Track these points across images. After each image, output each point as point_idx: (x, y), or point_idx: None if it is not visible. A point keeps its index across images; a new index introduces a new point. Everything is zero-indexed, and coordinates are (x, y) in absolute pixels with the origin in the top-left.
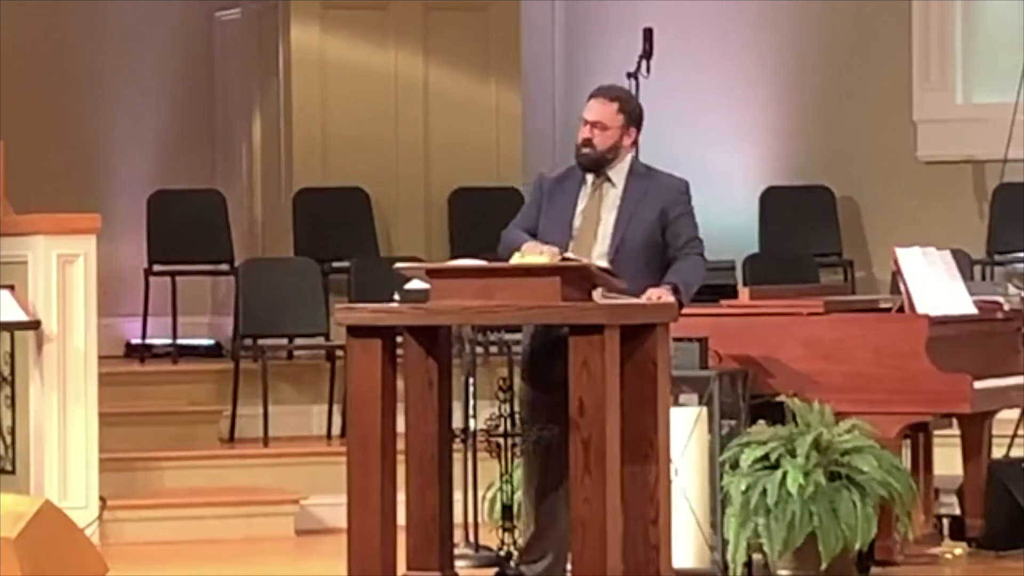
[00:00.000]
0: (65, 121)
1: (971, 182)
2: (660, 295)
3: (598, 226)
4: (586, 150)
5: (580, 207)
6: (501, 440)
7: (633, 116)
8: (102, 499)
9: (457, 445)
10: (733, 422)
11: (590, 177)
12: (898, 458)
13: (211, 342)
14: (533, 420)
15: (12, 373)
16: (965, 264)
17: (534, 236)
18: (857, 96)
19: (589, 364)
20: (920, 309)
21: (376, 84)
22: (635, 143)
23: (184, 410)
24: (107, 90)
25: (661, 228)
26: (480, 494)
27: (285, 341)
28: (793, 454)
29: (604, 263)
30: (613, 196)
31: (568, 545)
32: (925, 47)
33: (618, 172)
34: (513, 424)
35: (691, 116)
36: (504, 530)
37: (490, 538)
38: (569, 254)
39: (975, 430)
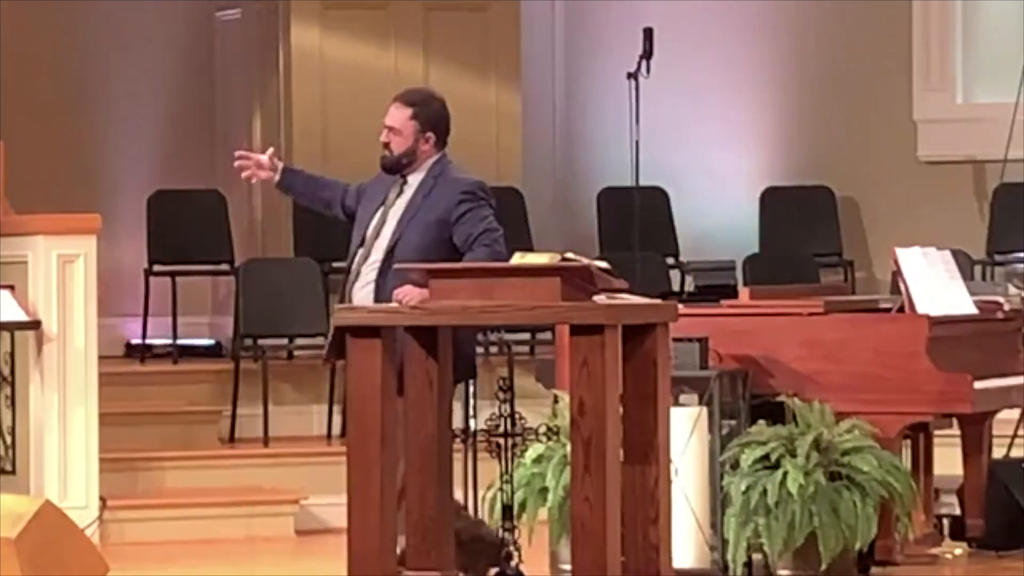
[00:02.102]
0: (65, 121)
1: (971, 182)
2: (405, 294)
3: (383, 228)
4: (384, 153)
5: (380, 210)
6: (501, 440)
7: (430, 122)
8: (102, 499)
9: (457, 445)
10: (733, 422)
11: (400, 179)
12: (898, 458)
13: (211, 342)
14: None
15: (12, 373)
16: (965, 264)
17: (325, 189)
18: (857, 96)
19: (589, 364)
20: (920, 309)
21: (376, 84)
22: (438, 146)
23: (184, 410)
24: (107, 90)
25: (447, 231)
26: (480, 494)
27: (285, 341)
28: (793, 454)
29: (377, 263)
30: (404, 199)
31: None
32: (925, 47)
33: (416, 176)
34: (513, 424)
35: (691, 116)
36: (504, 530)
37: None
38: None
39: (975, 430)
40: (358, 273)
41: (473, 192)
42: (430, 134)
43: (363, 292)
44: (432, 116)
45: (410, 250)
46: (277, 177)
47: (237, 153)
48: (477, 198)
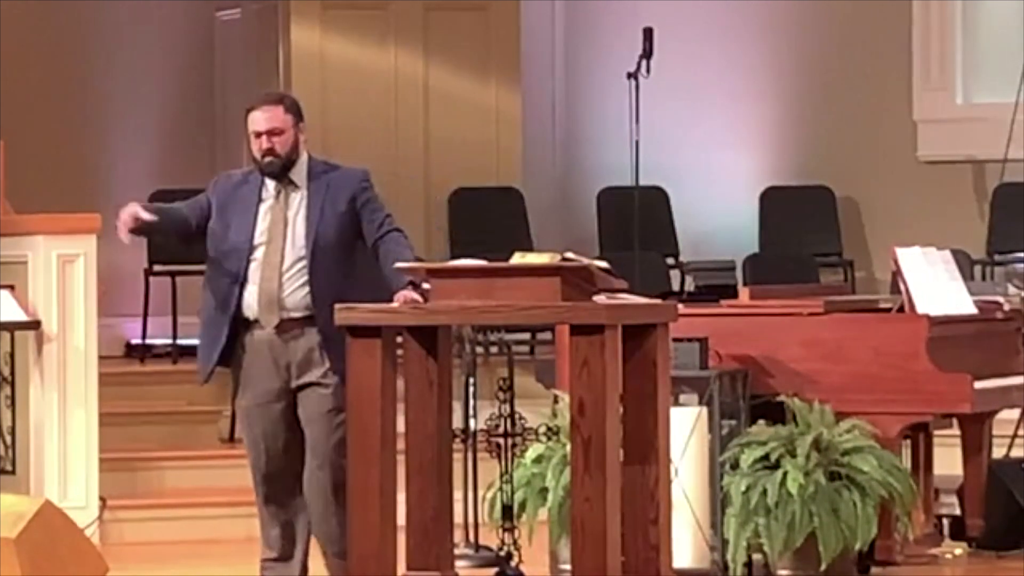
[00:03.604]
0: (65, 121)
1: (971, 182)
2: (407, 298)
3: (286, 230)
4: (269, 159)
5: (262, 214)
6: (501, 440)
7: (298, 111)
8: (102, 499)
9: (457, 445)
10: (733, 422)
11: (270, 183)
12: (898, 458)
13: None
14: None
15: (12, 373)
16: (965, 264)
17: (186, 220)
18: (857, 96)
19: (589, 364)
20: (920, 309)
21: (376, 84)
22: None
23: (184, 410)
24: (107, 90)
25: (353, 219)
26: (480, 494)
27: None
28: (793, 454)
29: (302, 264)
30: (297, 198)
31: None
32: (925, 47)
33: (298, 173)
34: (513, 424)
35: (691, 116)
36: (504, 530)
37: (490, 538)
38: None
39: (975, 430)
40: (277, 276)
41: (369, 180)
42: (302, 124)
43: (298, 294)
44: (297, 105)
45: (329, 245)
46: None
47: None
48: (372, 186)
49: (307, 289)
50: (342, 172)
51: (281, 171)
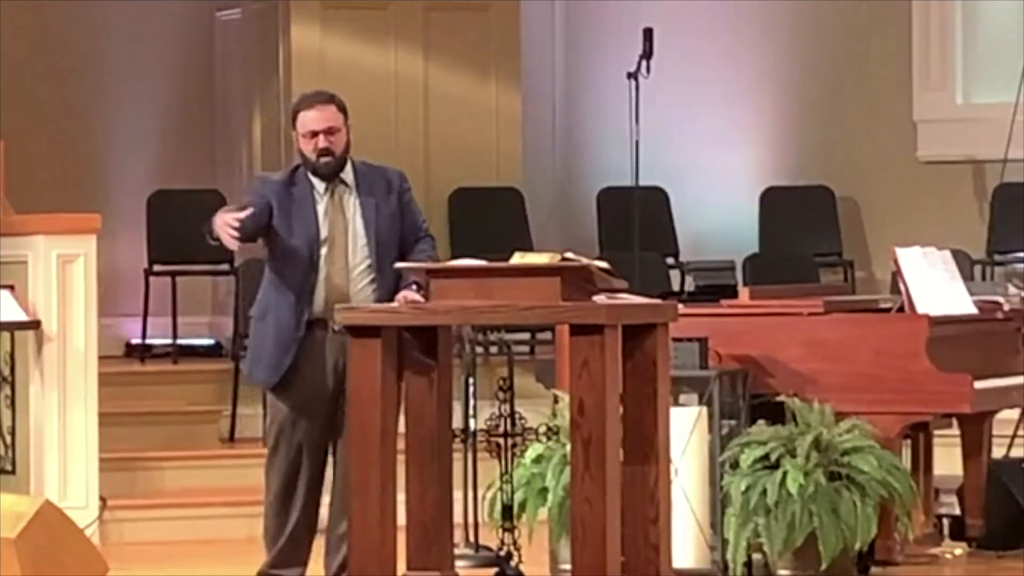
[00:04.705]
0: (65, 121)
1: (971, 182)
2: (407, 298)
3: (348, 230)
4: (327, 159)
5: (322, 214)
6: (501, 440)
7: (347, 111)
8: (102, 499)
9: (457, 445)
10: (733, 422)
11: (319, 183)
12: (898, 458)
13: (211, 342)
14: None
15: (12, 373)
16: (965, 264)
17: (263, 214)
18: (857, 96)
19: (589, 364)
20: (920, 309)
21: (376, 84)
22: None
23: (184, 410)
24: (107, 90)
25: (398, 218)
26: (480, 494)
27: None
28: (793, 454)
29: (367, 264)
30: (350, 197)
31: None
32: (925, 47)
33: (347, 172)
34: (513, 424)
35: (691, 116)
36: (504, 530)
37: (490, 538)
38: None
39: (975, 430)
40: (346, 275)
41: (407, 179)
42: (349, 123)
43: (363, 294)
44: (345, 107)
45: (387, 244)
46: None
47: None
48: (410, 184)
49: (373, 287)
50: (383, 171)
51: (338, 171)
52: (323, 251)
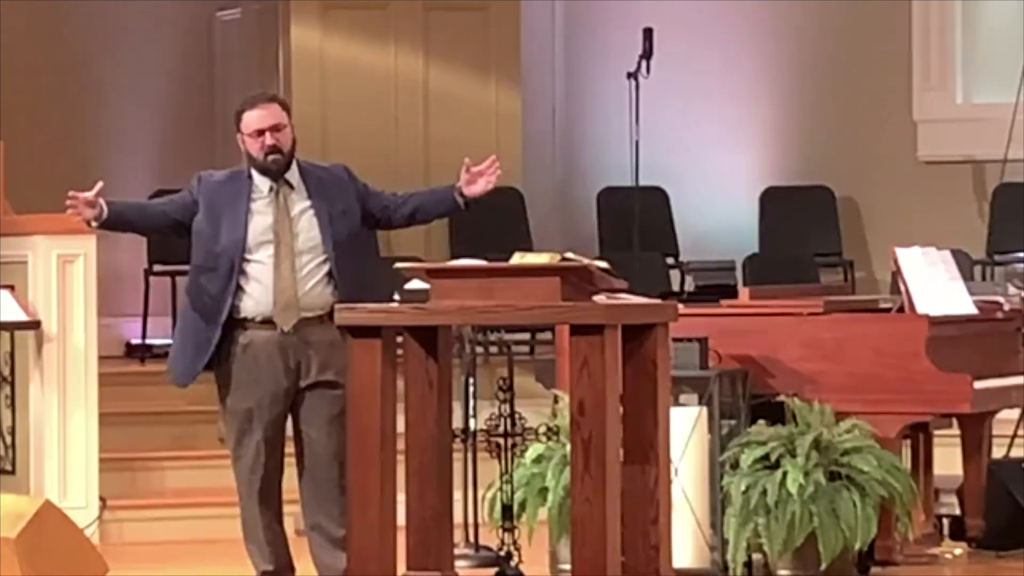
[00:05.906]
0: (65, 121)
1: (971, 182)
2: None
3: (293, 229)
4: (275, 156)
5: (259, 214)
6: (501, 440)
7: (289, 110)
8: (102, 499)
9: (457, 445)
10: (733, 422)
11: (262, 183)
12: (898, 458)
13: None
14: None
15: (12, 373)
16: (965, 264)
17: (163, 215)
18: (857, 96)
19: (589, 364)
20: (920, 309)
21: (376, 84)
22: None
23: (184, 410)
24: (107, 90)
25: (356, 215)
26: (480, 494)
27: None
28: (793, 454)
29: (321, 264)
30: (297, 197)
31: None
32: (925, 47)
33: (293, 173)
34: (513, 424)
35: (691, 116)
36: (504, 530)
37: (490, 538)
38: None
39: (975, 430)
40: (292, 276)
41: (352, 170)
42: (292, 122)
43: (315, 293)
44: (288, 106)
45: (345, 243)
46: (105, 214)
47: (69, 193)
48: (356, 174)
49: (330, 288)
50: (329, 170)
51: (285, 168)
52: (262, 253)
